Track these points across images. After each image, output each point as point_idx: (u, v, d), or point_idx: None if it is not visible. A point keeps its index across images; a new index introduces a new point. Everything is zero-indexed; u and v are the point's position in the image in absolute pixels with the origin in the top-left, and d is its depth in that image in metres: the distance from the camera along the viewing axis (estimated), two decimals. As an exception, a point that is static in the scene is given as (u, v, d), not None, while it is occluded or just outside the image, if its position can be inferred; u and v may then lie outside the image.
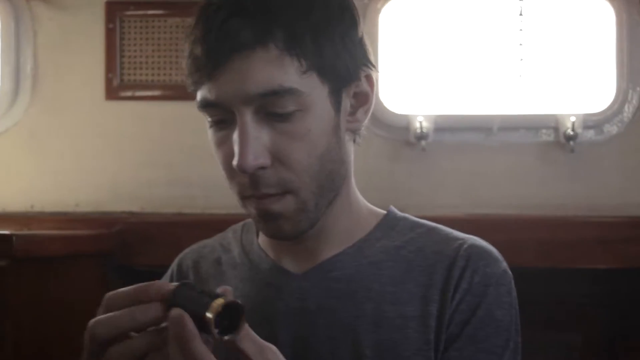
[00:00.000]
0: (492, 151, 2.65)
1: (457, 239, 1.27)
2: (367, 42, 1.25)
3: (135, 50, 2.76)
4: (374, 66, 1.24)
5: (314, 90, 1.15)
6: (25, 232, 2.47)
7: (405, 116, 2.67)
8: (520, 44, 2.47)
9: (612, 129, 2.67)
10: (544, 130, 2.67)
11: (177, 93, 2.70)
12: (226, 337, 0.94)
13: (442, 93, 2.72)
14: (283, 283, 1.24)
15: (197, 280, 1.34)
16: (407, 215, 1.34)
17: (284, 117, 1.13)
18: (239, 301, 0.95)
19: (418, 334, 1.20)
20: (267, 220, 1.18)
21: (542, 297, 2.50)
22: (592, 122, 2.67)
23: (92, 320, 0.98)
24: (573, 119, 2.60)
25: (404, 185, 2.64)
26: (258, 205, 1.16)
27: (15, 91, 2.79)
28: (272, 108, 1.12)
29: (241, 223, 1.41)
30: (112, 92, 2.74)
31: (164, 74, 2.74)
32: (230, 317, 0.94)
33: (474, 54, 2.69)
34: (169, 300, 0.96)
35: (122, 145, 2.72)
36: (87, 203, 2.71)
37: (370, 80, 1.24)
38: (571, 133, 2.60)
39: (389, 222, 1.31)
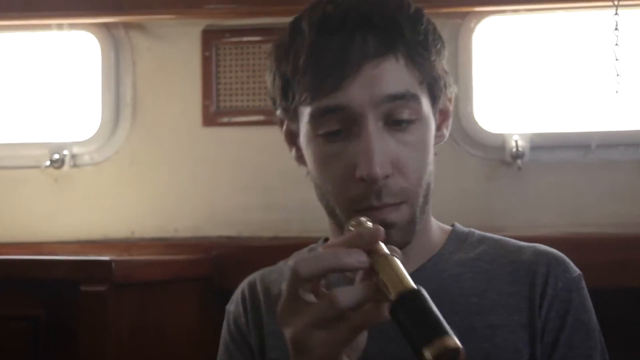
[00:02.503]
0: (591, 169, 2.60)
1: (527, 247, 1.30)
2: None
3: (231, 77, 2.80)
4: (453, 84, 1.27)
5: (425, 101, 1.18)
6: (125, 257, 2.52)
7: (501, 135, 2.64)
8: (617, 59, 2.42)
9: None
10: (643, 147, 2.61)
11: (273, 118, 2.72)
12: None
13: (538, 111, 2.68)
14: None
15: (268, 304, 1.33)
16: (471, 228, 1.35)
17: (404, 127, 1.16)
18: (460, 346, 0.88)
19: (507, 342, 1.21)
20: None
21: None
22: (692, 138, 2.60)
23: (295, 260, 0.99)
24: (674, 134, 2.54)
25: (500, 205, 2.61)
26: (375, 216, 1.16)
27: (115, 120, 2.86)
28: (396, 115, 1.15)
29: (306, 248, 1.42)
30: (209, 118, 2.78)
31: (260, 100, 2.76)
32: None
33: (570, 71, 2.65)
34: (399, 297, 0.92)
35: (219, 170, 2.75)
36: (186, 228, 2.75)
37: (449, 98, 1.28)
38: (671, 149, 2.54)
39: (458, 236, 1.33)
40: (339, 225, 1.22)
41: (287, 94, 1.24)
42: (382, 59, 1.14)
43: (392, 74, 1.15)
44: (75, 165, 2.85)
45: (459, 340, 0.96)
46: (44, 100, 2.93)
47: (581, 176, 2.60)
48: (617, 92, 2.41)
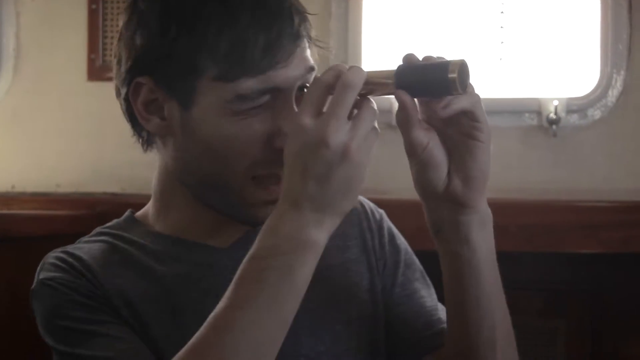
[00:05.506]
0: (474, 135, 2.64)
1: None
2: None
3: (118, 31, 2.74)
4: None
5: None
6: (5, 212, 2.47)
7: (388, 99, 2.66)
8: (502, 27, 2.46)
9: (595, 113, 2.66)
10: (526, 114, 2.66)
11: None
12: (464, 92, 1.04)
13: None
14: (215, 259, 1.23)
15: (107, 272, 1.22)
16: None
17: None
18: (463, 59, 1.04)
19: (346, 278, 1.30)
20: (272, 203, 1.17)
21: (525, 282, 2.50)
22: (576, 107, 2.66)
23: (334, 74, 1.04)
24: (556, 102, 2.60)
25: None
26: (272, 190, 1.17)
27: (-3, 71, 2.80)
28: (303, 85, 1.17)
29: (101, 232, 1.32)
30: (94, 73, 2.75)
31: (148, 56, 2.73)
32: (461, 75, 1.03)
33: (454, 37, 2.69)
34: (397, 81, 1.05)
35: (104, 126, 2.71)
36: (68, 184, 2.71)
37: None
38: (554, 117, 2.60)
39: None
40: (217, 198, 1.21)
41: (180, 61, 1.14)
42: (304, 41, 1.17)
43: (308, 52, 1.18)
44: (-47, 117, 2.78)
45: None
46: None
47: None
48: (501, 59, 2.45)
